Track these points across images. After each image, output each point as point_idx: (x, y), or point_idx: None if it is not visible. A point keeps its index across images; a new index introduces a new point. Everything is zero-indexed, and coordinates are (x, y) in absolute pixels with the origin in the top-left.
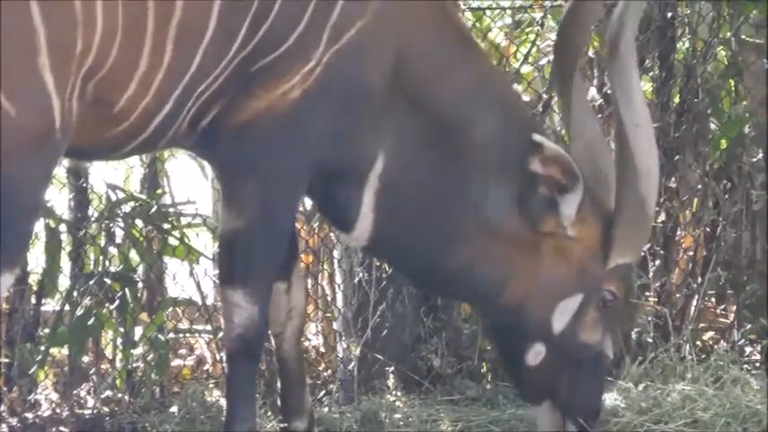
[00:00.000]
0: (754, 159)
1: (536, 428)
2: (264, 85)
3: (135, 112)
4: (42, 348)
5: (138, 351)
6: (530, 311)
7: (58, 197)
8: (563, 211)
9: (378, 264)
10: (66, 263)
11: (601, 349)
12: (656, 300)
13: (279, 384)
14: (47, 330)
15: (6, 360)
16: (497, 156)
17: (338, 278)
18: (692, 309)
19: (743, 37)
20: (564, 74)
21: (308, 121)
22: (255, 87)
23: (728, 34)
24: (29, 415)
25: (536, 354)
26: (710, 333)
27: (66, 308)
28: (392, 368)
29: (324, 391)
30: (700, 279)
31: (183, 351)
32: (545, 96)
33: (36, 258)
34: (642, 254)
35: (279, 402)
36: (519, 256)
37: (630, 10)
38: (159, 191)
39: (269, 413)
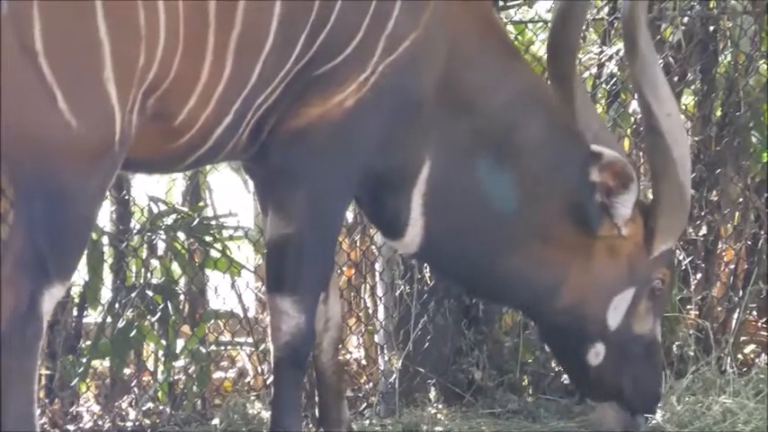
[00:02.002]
0: None
1: None
2: (320, 94)
3: (196, 124)
4: (84, 360)
5: (180, 363)
6: (585, 312)
7: (101, 209)
8: (619, 211)
9: (419, 276)
10: (107, 275)
11: (654, 336)
12: (698, 313)
13: (317, 396)
14: (88, 342)
15: (48, 372)
16: (546, 161)
17: (379, 291)
18: (734, 322)
19: None
20: (562, 72)
21: (360, 129)
22: (311, 96)
23: None
24: (70, 427)
25: (596, 353)
26: (752, 346)
27: (108, 320)
28: (433, 381)
29: (365, 404)
30: (741, 292)
31: (224, 363)
32: None
33: (78, 271)
34: (684, 268)
35: (317, 414)
36: (572, 259)
37: (639, 4)
38: (201, 203)
39: (310, 425)
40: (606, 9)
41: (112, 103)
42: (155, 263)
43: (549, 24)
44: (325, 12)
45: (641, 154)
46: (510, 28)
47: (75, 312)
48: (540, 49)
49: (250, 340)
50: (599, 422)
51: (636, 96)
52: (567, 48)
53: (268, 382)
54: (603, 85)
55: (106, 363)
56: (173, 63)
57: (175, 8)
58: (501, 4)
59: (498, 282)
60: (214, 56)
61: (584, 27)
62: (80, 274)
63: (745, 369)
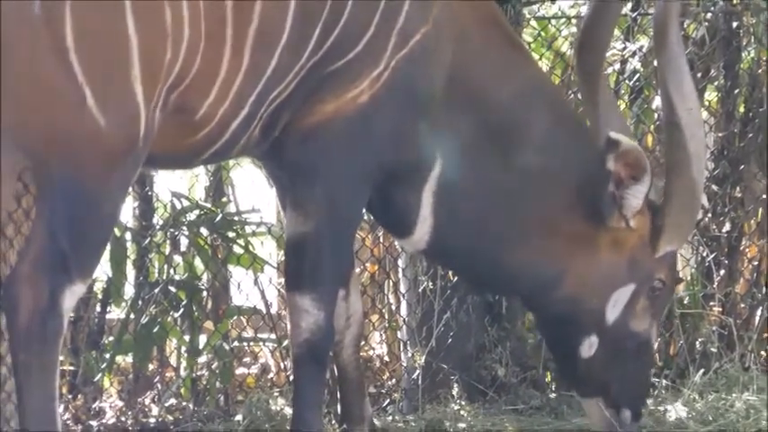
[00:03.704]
0: None
1: None
2: (334, 90)
3: (214, 118)
4: (107, 356)
5: (203, 359)
6: (585, 303)
7: (124, 205)
8: (629, 202)
9: (442, 273)
10: (131, 271)
11: (648, 336)
12: (721, 310)
13: (339, 392)
14: (111, 338)
15: (71, 368)
16: (554, 154)
17: (402, 287)
18: (757, 319)
19: None
20: (589, 70)
21: (375, 125)
22: (325, 92)
23: None
24: (93, 423)
25: (590, 345)
26: None
27: (131, 316)
28: (456, 377)
29: (388, 400)
30: (765, 289)
31: (247, 359)
32: None
33: (101, 266)
34: (707, 264)
35: (339, 410)
36: (577, 249)
37: (673, 2)
38: (224, 199)
39: (332, 421)
40: (630, 5)
41: (138, 101)
42: (178, 259)
43: (582, 22)
44: (338, 9)
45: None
46: (533, 23)
47: (98, 308)
48: (562, 44)
49: (273, 336)
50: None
51: (659, 91)
52: (596, 47)
53: (291, 378)
54: (627, 81)
55: (129, 359)
56: (195, 59)
57: (197, 5)
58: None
59: (504, 273)
60: (232, 51)
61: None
62: (103, 271)
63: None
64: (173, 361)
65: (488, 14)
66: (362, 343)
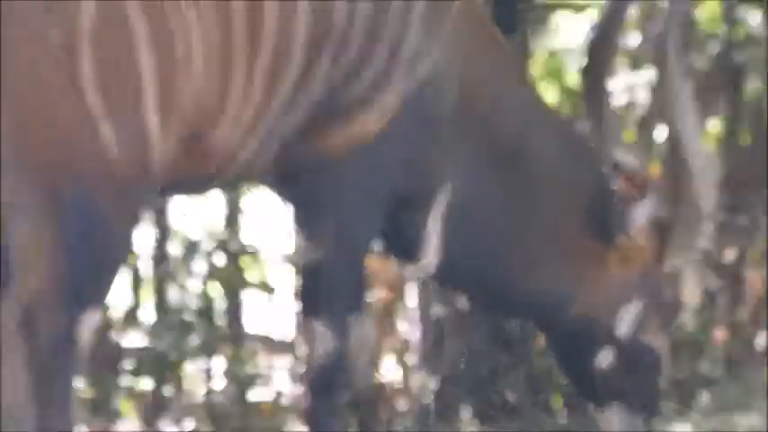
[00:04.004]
0: None
1: None
2: (344, 120)
3: (224, 148)
4: (125, 381)
5: (218, 384)
6: (596, 319)
7: (141, 234)
8: (635, 220)
9: (454, 299)
10: (148, 298)
11: (657, 348)
12: (726, 335)
13: (353, 415)
14: (129, 364)
15: (90, 392)
16: (561, 178)
17: (415, 313)
18: (760, 343)
19: None
20: (594, 93)
21: (384, 154)
22: (335, 123)
23: None
24: None
25: (603, 357)
26: None
27: (148, 342)
28: (468, 401)
29: (401, 425)
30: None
31: (261, 384)
32: None
33: (119, 294)
34: (712, 292)
35: None
36: (586, 268)
37: (674, 17)
38: (238, 227)
39: None
40: (638, 37)
41: (151, 130)
42: (193, 286)
43: (586, 45)
44: (345, 43)
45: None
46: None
47: (116, 334)
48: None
49: (287, 361)
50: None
51: (664, 119)
52: (601, 65)
53: (305, 401)
54: (632, 110)
55: (146, 383)
56: (207, 90)
57: (209, 39)
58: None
59: (516, 295)
60: (243, 82)
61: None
62: (121, 298)
63: None
64: (189, 386)
65: (491, 41)
66: (375, 367)
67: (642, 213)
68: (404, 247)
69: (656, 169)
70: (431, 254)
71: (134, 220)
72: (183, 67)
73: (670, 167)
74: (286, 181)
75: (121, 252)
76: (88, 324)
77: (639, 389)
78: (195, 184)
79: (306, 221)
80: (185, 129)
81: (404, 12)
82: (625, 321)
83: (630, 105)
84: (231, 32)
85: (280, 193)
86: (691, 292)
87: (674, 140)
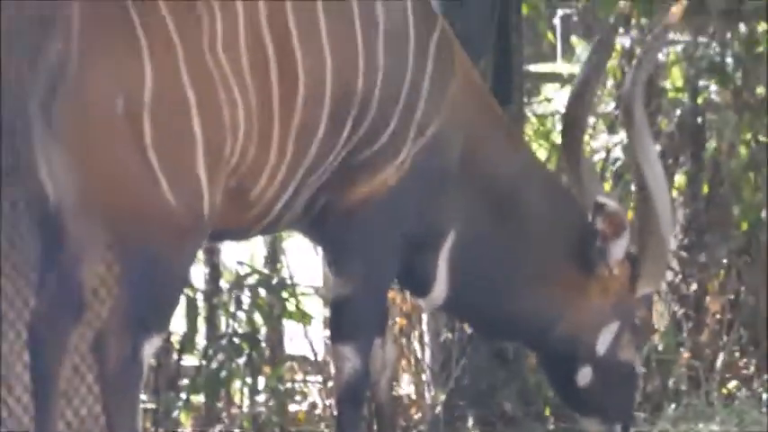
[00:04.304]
0: None
1: None
2: (366, 176)
3: (263, 199)
4: (183, 396)
5: (262, 398)
6: (579, 340)
7: (196, 271)
8: (613, 254)
9: (459, 325)
10: (202, 325)
11: (633, 364)
12: (690, 355)
13: (375, 425)
14: (187, 381)
15: (153, 406)
16: (550, 221)
17: (426, 337)
18: (719, 362)
19: (760, 138)
20: (572, 147)
21: (401, 203)
22: (358, 178)
23: (748, 136)
24: None
25: (585, 375)
26: (734, 382)
27: (203, 362)
28: (472, 412)
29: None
30: (725, 338)
31: (298, 398)
32: None
33: (178, 321)
34: (678, 318)
35: None
36: (571, 297)
37: (640, 79)
38: (279, 265)
39: None
40: (613, 104)
41: (203, 185)
42: (241, 315)
43: (565, 105)
44: (364, 109)
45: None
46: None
47: (175, 356)
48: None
49: (319, 378)
50: None
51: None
52: (577, 124)
53: (334, 413)
54: (611, 166)
55: (201, 398)
56: (249, 150)
57: (250, 106)
58: (526, 100)
59: (510, 321)
60: (278, 144)
61: (592, 115)
62: (180, 325)
63: (728, 401)
64: (237, 399)
65: (489, 107)
66: (394, 383)
67: (620, 249)
68: (416, 284)
69: (630, 214)
70: (438, 289)
71: (189, 261)
72: (229, 131)
73: (640, 212)
74: (315, 227)
75: (178, 287)
76: (151, 348)
77: (617, 399)
78: (238, 232)
79: (334, 262)
80: (231, 183)
81: (415, 83)
82: (604, 341)
83: (608, 161)
84: (269, 101)
85: (310, 238)
86: (660, 318)
87: (643, 190)
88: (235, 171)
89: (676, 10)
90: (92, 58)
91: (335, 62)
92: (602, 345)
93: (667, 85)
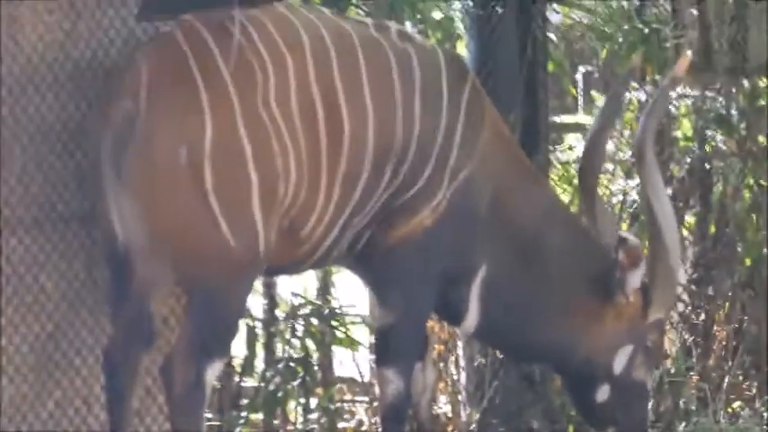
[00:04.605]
0: None
1: None
2: (405, 218)
3: (313, 238)
4: (244, 414)
5: (314, 416)
6: (597, 361)
7: (256, 302)
8: (630, 283)
9: (491, 351)
10: (261, 351)
11: (645, 383)
12: (699, 378)
13: None
14: (247, 401)
15: (218, 423)
16: (571, 257)
17: (462, 362)
18: (725, 384)
19: (762, 182)
20: (588, 188)
21: (437, 241)
22: (398, 219)
23: (751, 181)
24: None
25: (603, 392)
26: (739, 402)
27: (262, 384)
28: (503, 430)
29: None
30: (731, 362)
31: (347, 416)
32: None
33: (239, 347)
34: (688, 344)
35: None
36: (590, 322)
37: (650, 125)
38: (329, 297)
39: None
40: (629, 152)
41: (259, 226)
42: (295, 342)
43: (582, 154)
44: (402, 157)
45: None
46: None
47: (237, 379)
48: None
49: (366, 399)
50: None
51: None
52: (592, 169)
53: (379, 430)
54: (628, 208)
55: (260, 416)
56: (300, 193)
57: (300, 155)
58: (551, 148)
59: (535, 347)
60: (326, 188)
61: (611, 162)
62: (241, 350)
63: (733, 419)
64: (292, 418)
65: (516, 158)
66: (433, 403)
67: (636, 278)
68: (450, 314)
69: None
70: (471, 319)
71: (246, 293)
72: (282, 177)
73: (651, 245)
74: (360, 263)
75: (237, 317)
76: (213, 372)
77: (631, 413)
78: (290, 267)
79: (378, 295)
80: (284, 223)
81: (449, 134)
82: (620, 362)
83: (625, 204)
84: (318, 150)
85: (355, 272)
86: (672, 344)
87: (653, 225)
88: (287, 213)
89: (683, 63)
90: (158, 114)
91: (376, 115)
92: (618, 365)
93: (678, 135)
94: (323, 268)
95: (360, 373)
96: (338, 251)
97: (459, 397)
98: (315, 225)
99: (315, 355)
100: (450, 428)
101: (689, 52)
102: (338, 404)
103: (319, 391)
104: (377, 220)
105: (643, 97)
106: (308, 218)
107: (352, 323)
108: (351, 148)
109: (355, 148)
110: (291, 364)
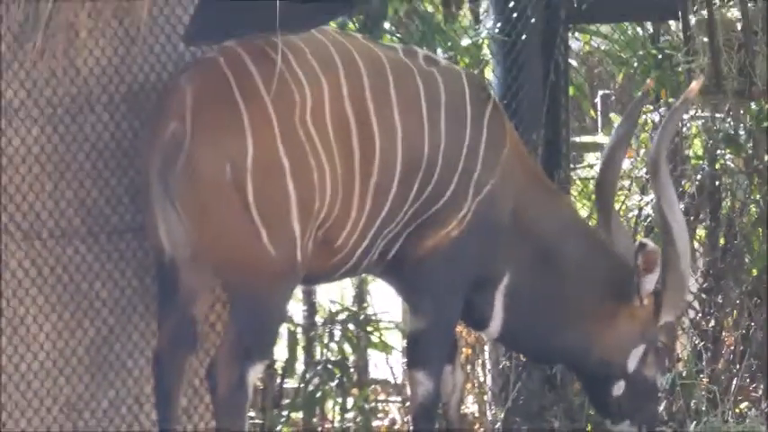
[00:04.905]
0: None
1: None
2: (433, 229)
3: (346, 247)
4: (285, 413)
5: (351, 415)
6: (613, 359)
7: (296, 308)
8: (645, 287)
9: (516, 355)
10: (301, 354)
11: (656, 381)
12: (708, 380)
13: None
14: (288, 401)
15: (261, 422)
16: (588, 266)
17: (488, 365)
18: (733, 386)
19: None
20: (605, 202)
21: (464, 251)
22: (426, 230)
23: (758, 196)
24: None
25: (618, 387)
26: (746, 403)
27: (302, 385)
28: (526, 429)
29: None
30: (738, 366)
31: (381, 415)
32: None
33: (280, 351)
34: (699, 349)
35: None
36: (606, 324)
37: (664, 140)
38: (365, 304)
39: None
40: (644, 170)
41: (297, 237)
42: (333, 345)
43: (598, 171)
44: (429, 171)
45: None
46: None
47: (278, 380)
48: None
49: (399, 399)
50: None
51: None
52: (608, 183)
53: (411, 429)
54: (643, 222)
55: (300, 415)
56: (335, 206)
57: (335, 169)
58: (572, 166)
59: (556, 349)
60: (359, 199)
61: (627, 179)
62: (282, 354)
63: (740, 419)
64: (330, 416)
65: (534, 172)
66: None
67: (651, 282)
68: (475, 319)
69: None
70: (495, 324)
71: (286, 300)
72: (318, 190)
73: (663, 251)
74: (392, 273)
75: (277, 323)
76: (255, 374)
77: (642, 408)
78: (323, 276)
79: (409, 302)
80: (319, 234)
81: (472, 149)
82: (633, 361)
83: (640, 218)
84: (351, 164)
85: (386, 281)
86: (683, 349)
87: (665, 233)
88: (322, 224)
89: (696, 86)
90: (203, 135)
91: (405, 133)
92: (631, 363)
93: (690, 153)
94: (353, 277)
95: (393, 374)
96: (368, 261)
97: (486, 397)
98: (347, 236)
99: (351, 358)
100: (476, 427)
101: (701, 76)
102: (373, 404)
103: (355, 391)
104: (406, 232)
105: (657, 118)
106: (342, 229)
107: (386, 328)
108: (381, 164)
109: (385, 163)
110: (329, 367)
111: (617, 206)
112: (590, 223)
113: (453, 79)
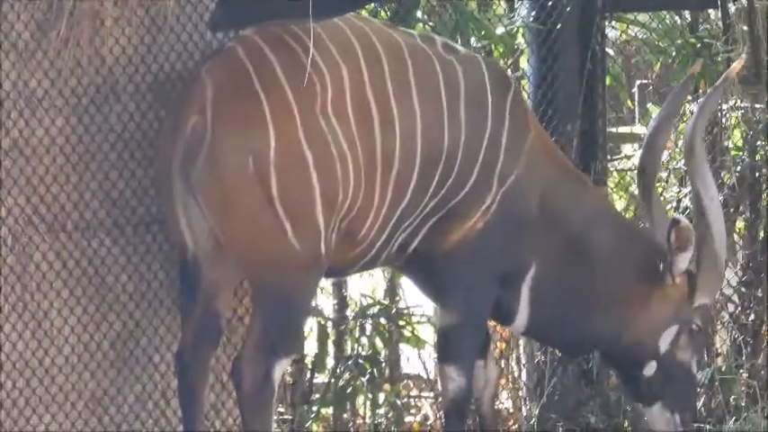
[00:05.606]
0: None
1: None
2: (457, 222)
3: (367, 239)
4: (315, 409)
5: (382, 411)
6: (645, 340)
7: (326, 302)
8: (678, 265)
9: (551, 350)
10: (331, 348)
11: (690, 364)
12: (748, 375)
13: None
14: (318, 396)
15: (290, 417)
16: (618, 252)
17: (523, 359)
18: None
19: None
20: (646, 185)
21: (491, 243)
22: (451, 224)
23: None
24: None
25: (650, 368)
26: None
27: (332, 380)
28: (561, 424)
29: None
30: None
31: (413, 411)
32: None
33: (311, 345)
34: (738, 343)
35: None
36: (639, 305)
37: (700, 120)
38: (397, 298)
39: None
40: (683, 162)
41: (321, 229)
42: (364, 340)
43: (639, 156)
44: (449, 163)
45: None
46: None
47: (308, 375)
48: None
49: (431, 394)
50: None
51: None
52: (649, 170)
53: (443, 424)
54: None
55: (330, 410)
56: (358, 198)
57: (358, 163)
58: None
59: (587, 337)
60: (380, 191)
61: (665, 170)
62: (312, 348)
63: None
64: (361, 412)
65: (560, 161)
66: (495, 399)
67: (684, 261)
68: (501, 313)
69: None
70: (521, 317)
71: (311, 293)
72: (341, 182)
73: (698, 232)
74: (418, 267)
75: (303, 317)
76: (281, 369)
77: (675, 392)
78: (343, 269)
79: (439, 296)
80: (342, 226)
81: (494, 139)
82: (665, 341)
83: (678, 209)
84: (373, 156)
85: (409, 276)
86: (723, 343)
87: (700, 214)
88: (346, 216)
89: (737, 64)
90: (224, 127)
91: (424, 121)
92: (663, 344)
93: (729, 144)
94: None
95: (425, 369)
96: (387, 253)
97: (520, 393)
98: (369, 227)
99: (383, 353)
100: (511, 423)
101: (743, 56)
102: (405, 399)
103: (387, 386)
104: (427, 225)
105: (695, 109)
106: (364, 221)
107: (419, 322)
108: (402, 153)
109: (406, 152)
110: (360, 362)
111: None
112: (626, 215)
113: (473, 68)
